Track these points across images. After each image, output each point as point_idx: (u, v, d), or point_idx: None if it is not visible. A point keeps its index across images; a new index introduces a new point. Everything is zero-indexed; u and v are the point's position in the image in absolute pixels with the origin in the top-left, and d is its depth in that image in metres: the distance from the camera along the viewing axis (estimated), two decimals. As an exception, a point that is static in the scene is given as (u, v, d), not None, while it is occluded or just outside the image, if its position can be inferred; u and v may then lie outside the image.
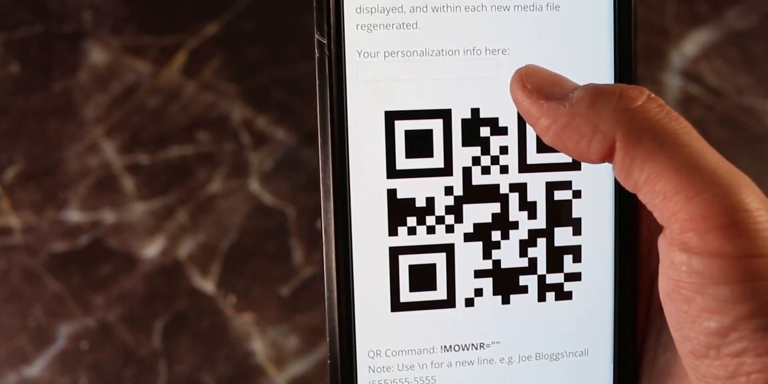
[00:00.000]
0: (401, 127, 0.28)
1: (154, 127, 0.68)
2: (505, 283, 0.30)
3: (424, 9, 0.28)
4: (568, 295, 0.30)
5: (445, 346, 0.30)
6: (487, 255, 0.30)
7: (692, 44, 0.71)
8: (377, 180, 0.28)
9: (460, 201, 0.29)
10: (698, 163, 0.22)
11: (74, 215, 0.67)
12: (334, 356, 0.29)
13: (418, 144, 0.29)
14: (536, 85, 0.25)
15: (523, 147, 0.29)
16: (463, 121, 0.29)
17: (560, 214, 0.30)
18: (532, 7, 0.29)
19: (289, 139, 0.68)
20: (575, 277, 0.30)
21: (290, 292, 0.67)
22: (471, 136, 0.29)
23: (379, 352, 0.29)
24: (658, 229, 0.24)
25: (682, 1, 0.71)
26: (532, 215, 0.30)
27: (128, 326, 0.66)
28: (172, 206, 0.68)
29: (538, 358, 0.30)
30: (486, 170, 0.29)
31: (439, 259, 0.29)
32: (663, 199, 0.22)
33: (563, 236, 0.30)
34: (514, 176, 0.29)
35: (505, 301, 0.30)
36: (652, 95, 0.24)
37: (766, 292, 0.21)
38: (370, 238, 0.29)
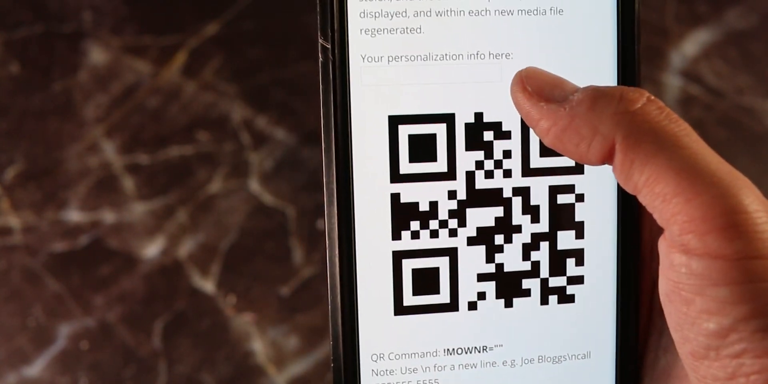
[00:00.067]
0: (405, 131, 0.28)
1: (154, 127, 0.68)
2: (508, 287, 0.30)
3: (428, 13, 0.28)
4: (570, 298, 0.30)
5: (448, 350, 0.30)
6: (490, 259, 0.30)
7: (692, 44, 0.71)
8: (381, 184, 0.29)
9: (463, 205, 0.29)
10: (697, 165, 0.22)
11: (74, 215, 0.67)
12: (337, 359, 0.29)
13: (422, 148, 0.29)
14: (536, 88, 0.25)
15: (526, 151, 0.29)
16: (467, 125, 0.29)
17: (563, 217, 0.30)
18: (535, 12, 0.29)
19: (289, 139, 0.68)
20: (578, 280, 0.30)
21: (290, 292, 0.67)
22: (474, 141, 0.29)
23: (382, 355, 0.29)
24: (660, 232, 0.24)
25: (682, 1, 0.72)
26: (535, 219, 0.30)
27: (128, 326, 0.66)
28: (172, 206, 0.68)
29: (540, 360, 0.30)
30: (489, 174, 0.29)
31: (443, 263, 0.29)
32: (662, 201, 0.22)
33: (566, 240, 0.30)
34: (518, 180, 0.29)
35: (508, 304, 0.30)
36: (652, 97, 0.24)
37: (765, 293, 0.21)
38: (374, 242, 0.29)
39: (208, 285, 0.67)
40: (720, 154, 0.23)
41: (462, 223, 0.29)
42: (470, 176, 0.29)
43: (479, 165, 0.29)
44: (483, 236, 0.29)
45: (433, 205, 0.29)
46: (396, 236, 0.29)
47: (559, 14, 0.29)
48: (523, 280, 0.30)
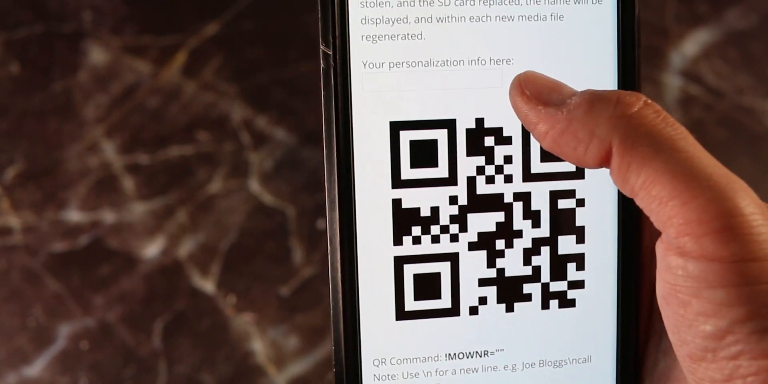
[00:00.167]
0: (406, 137, 0.28)
1: (154, 127, 0.68)
2: (509, 292, 0.30)
3: (429, 20, 0.28)
4: (571, 303, 0.30)
5: (449, 354, 0.30)
6: (491, 264, 0.30)
7: (692, 44, 0.71)
8: (382, 190, 0.29)
9: (464, 210, 0.29)
10: (694, 168, 0.22)
11: (74, 215, 0.67)
12: (339, 364, 0.29)
13: (423, 154, 0.29)
14: (535, 91, 0.25)
15: (527, 156, 0.29)
16: (468, 131, 0.29)
17: (564, 222, 0.30)
18: (536, 18, 0.29)
19: (289, 139, 0.68)
20: (578, 284, 0.30)
21: (290, 292, 0.67)
22: (475, 146, 0.29)
23: (384, 360, 0.29)
24: (660, 236, 0.24)
25: (682, 1, 0.72)
26: (536, 224, 0.30)
27: (128, 326, 0.67)
28: (172, 206, 0.68)
29: (541, 365, 0.30)
30: (490, 179, 0.29)
31: (444, 268, 0.29)
32: (659, 203, 0.22)
33: (567, 244, 0.30)
34: (518, 185, 0.29)
35: (509, 309, 0.30)
36: (649, 101, 0.24)
37: (760, 295, 0.21)
38: (376, 247, 0.29)
39: (208, 285, 0.67)
40: (720, 154, 0.23)
41: (463, 229, 0.29)
42: (471, 181, 0.29)
43: (480, 170, 0.29)
44: (484, 241, 0.29)
45: (435, 210, 0.29)
46: (397, 241, 0.29)
47: (559, 20, 0.29)
48: (524, 285, 0.30)
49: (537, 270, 0.30)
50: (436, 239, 0.29)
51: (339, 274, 0.28)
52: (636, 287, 0.30)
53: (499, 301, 0.30)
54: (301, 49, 0.70)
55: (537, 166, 0.29)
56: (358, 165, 0.28)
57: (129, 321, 0.67)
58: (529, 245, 0.30)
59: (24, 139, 0.67)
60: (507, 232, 0.30)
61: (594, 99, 0.24)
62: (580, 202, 0.30)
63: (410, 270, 0.29)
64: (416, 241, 0.29)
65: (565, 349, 0.31)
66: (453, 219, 0.29)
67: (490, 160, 0.29)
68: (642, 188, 0.23)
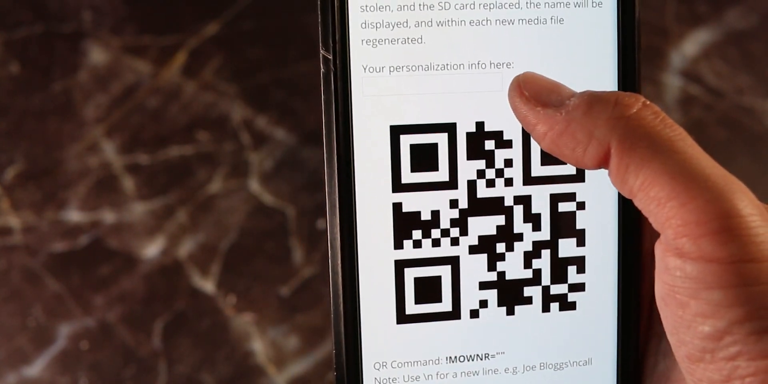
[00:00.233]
0: (406, 141, 0.28)
1: (154, 127, 0.68)
2: (510, 295, 0.30)
3: (429, 23, 0.28)
4: (572, 306, 0.30)
5: (450, 357, 0.30)
6: (491, 267, 0.30)
7: (692, 44, 0.71)
8: (383, 194, 0.29)
9: (465, 214, 0.29)
10: (692, 170, 0.22)
11: (74, 215, 0.67)
12: (340, 368, 0.29)
13: (424, 158, 0.29)
14: (533, 92, 0.25)
15: (527, 160, 0.29)
16: (468, 134, 0.29)
17: (564, 225, 0.30)
18: (536, 21, 0.29)
19: (289, 139, 0.68)
20: (579, 287, 0.30)
21: (290, 292, 0.67)
22: (476, 150, 0.29)
23: (385, 363, 0.29)
24: None
25: (682, 1, 0.72)
26: (537, 227, 0.30)
27: (128, 326, 0.67)
28: (172, 206, 0.68)
29: (542, 367, 0.31)
30: (491, 183, 0.29)
31: (445, 272, 0.29)
32: (657, 205, 0.22)
33: (567, 247, 0.30)
34: (519, 189, 0.29)
35: (510, 312, 0.30)
36: (648, 102, 0.24)
37: (758, 296, 0.21)
38: (376, 251, 0.29)
39: (208, 285, 0.67)
40: (720, 154, 0.23)
41: (464, 232, 0.29)
42: (472, 185, 0.29)
43: (480, 174, 0.29)
44: (484, 245, 0.29)
45: (435, 214, 0.29)
46: (398, 245, 0.29)
47: (559, 23, 0.29)
48: (525, 288, 0.30)
49: (537, 273, 0.30)
50: (436, 243, 0.29)
51: (340, 278, 0.28)
52: (636, 290, 0.30)
53: (499, 304, 0.30)
54: (301, 49, 0.70)
55: (537, 170, 0.29)
56: (358, 169, 0.28)
57: (129, 321, 0.67)
58: (530, 248, 0.30)
59: (24, 139, 0.67)
60: (507, 235, 0.30)
61: (592, 100, 0.24)
62: (581, 205, 0.30)
63: (411, 273, 0.29)
64: (417, 244, 0.29)
65: (565, 352, 0.31)
66: (453, 222, 0.29)
67: (490, 164, 0.29)
68: (640, 189, 0.23)
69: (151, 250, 0.67)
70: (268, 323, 0.67)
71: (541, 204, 0.30)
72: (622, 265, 0.30)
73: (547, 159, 0.29)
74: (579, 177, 0.30)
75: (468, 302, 0.30)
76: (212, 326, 0.67)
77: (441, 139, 0.29)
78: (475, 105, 0.29)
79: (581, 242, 0.30)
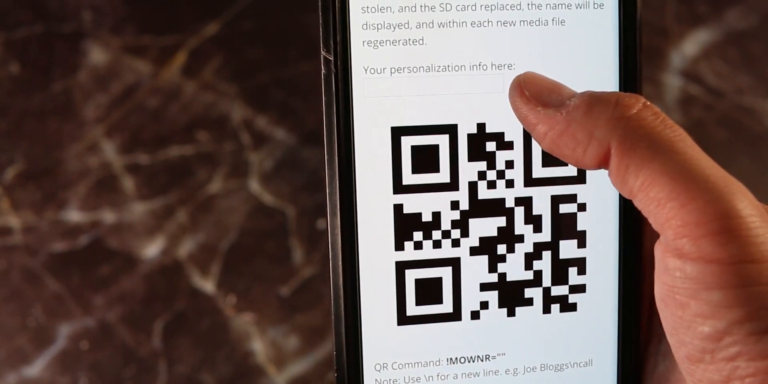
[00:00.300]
0: (407, 142, 0.28)
1: (154, 127, 0.68)
2: (511, 296, 0.30)
3: (430, 25, 0.28)
4: (572, 307, 0.30)
5: (451, 359, 0.30)
6: (492, 268, 0.30)
7: (692, 44, 0.71)
8: (384, 195, 0.29)
9: (466, 215, 0.29)
10: (692, 170, 0.22)
11: (74, 215, 0.67)
12: (341, 369, 0.29)
13: (425, 159, 0.29)
14: (534, 92, 0.25)
15: (528, 161, 0.29)
16: (469, 136, 0.29)
17: (565, 227, 0.30)
18: (537, 22, 0.29)
19: (289, 139, 0.68)
20: (580, 289, 0.30)
21: (290, 292, 0.67)
22: (477, 151, 0.29)
23: (385, 365, 0.29)
24: None
25: (682, 1, 0.72)
26: (538, 228, 0.30)
27: (128, 326, 0.67)
28: (172, 206, 0.68)
29: (543, 369, 0.31)
30: (492, 184, 0.29)
31: (445, 273, 0.29)
32: (657, 205, 0.22)
33: (568, 249, 0.30)
34: (520, 190, 0.29)
35: (511, 313, 0.30)
36: (648, 103, 0.24)
37: (758, 296, 0.21)
38: (377, 252, 0.29)
39: (208, 285, 0.67)
40: (720, 154, 0.24)
41: (465, 234, 0.29)
42: (473, 187, 0.29)
43: (482, 175, 0.29)
44: (485, 246, 0.29)
45: (436, 215, 0.29)
46: (399, 247, 0.29)
47: (561, 25, 0.29)
48: (526, 290, 0.30)
49: (538, 274, 0.30)
50: (437, 244, 0.29)
51: (341, 279, 0.28)
52: (637, 291, 0.30)
53: (500, 306, 0.30)
54: (301, 49, 0.70)
55: (538, 171, 0.29)
56: (359, 170, 0.28)
57: (129, 321, 0.67)
58: (531, 250, 0.30)
59: (24, 139, 0.67)
60: (508, 236, 0.30)
61: (593, 100, 0.24)
62: (582, 207, 0.30)
63: (412, 275, 0.29)
64: (418, 246, 0.29)
65: (566, 353, 0.31)
66: (454, 224, 0.29)
67: (491, 165, 0.29)
68: (640, 190, 0.23)
69: (151, 250, 0.67)
70: (268, 323, 0.67)
71: (542, 205, 0.30)
72: (622, 267, 0.30)
73: (548, 160, 0.29)
74: (580, 178, 0.30)
75: (469, 303, 0.30)
76: (212, 326, 0.67)
77: (442, 141, 0.29)
78: (477, 106, 0.29)
79: (582, 244, 0.30)
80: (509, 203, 0.29)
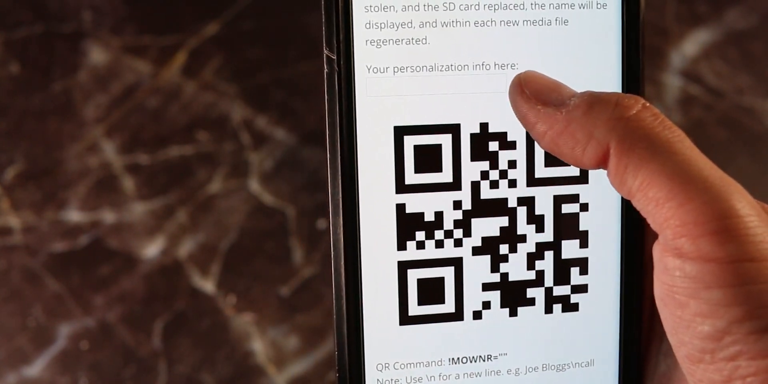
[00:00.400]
0: (410, 142, 0.28)
1: (154, 127, 0.68)
2: (513, 296, 0.30)
3: (434, 24, 0.28)
4: (574, 307, 0.30)
5: (453, 359, 0.30)
6: (494, 268, 0.30)
7: (692, 44, 0.71)
8: (386, 195, 0.29)
9: (468, 215, 0.29)
10: (690, 171, 0.22)
11: (74, 215, 0.67)
12: (342, 369, 0.29)
13: (427, 159, 0.29)
14: (534, 91, 0.25)
15: (531, 161, 0.29)
16: (472, 135, 0.29)
17: (567, 227, 0.30)
18: (540, 22, 0.29)
19: (289, 139, 0.68)
20: (582, 289, 0.30)
21: (290, 292, 0.67)
22: (479, 151, 0.29)
23: (387, 365, 0.29)
24: None
25: (682, 1, 0.72)
26: (540, 228, 0.30)
27: (128, 326, 0.67)
28: (172, 206, 0.68)
29: (544, 368, 0.31)
30: (494, 184, 0.29)
31: (448, 273, 0.29)
32: (656, 205, 0.22)
33: (570, 249, 0.30)
34: (522, 190, 0.29)
35: (513, 313, 0.30)
36: (647, 104, 0.24)
37: (757, 295, 0.21)
38: (379, 252, 0.29)
39: (208, 285, 0.67)
40: (720, 154, 0.24)
41: (467, 233, 0.29)
42: (475, 186, 0.29)
43: (484, 175, 0.29)
44: (488, 246, 0.29)
45: (439, 215, 0.29)
46: (401, 246, 0.29)
47: (564, 25, 0.29)
48: (528, 290, 0.30)
49: (540, 274, 0.30)
50: (440, 244, 0.29)
51: (343, 279, 0.28)
52: (639, 291, 0.30)
53: (502, 306, 0.30)
54: (301, 49, 0.70)
55: (541, 171, 0.29)
56: (361, 170, 0.28)
57: (129, 321, 0.67)
58: (533, 250, 0.30)
59: (24, 139, 0.67)
60: (511, 236, 0.30)
61: (593, 100, 0.24)
62: (584, 207, 0.30)
63: (414, 275, 0.29)
64: (420, 245, 0.29)
65: (568, 353, 0.31)
66: (457, 224, 0.29)
67: (494, 165, 0.29)
68: (639, 190, 0.23)
69: (151, 250, 0.67)
70: (268, 323, 0.67)
71: (544, 205, 0.30)
72: (624, 267, 0.30)
73: (550, 160, 0.29)
74: (582, 178, 0.30)
75: (471, 303, 0.30)
76: (212, 326, 0.67)
77: (445, 140, 0.29)
78: (480, 106, 0.29)
79: (584, 244, 0.30)
80: (512, 203, 0.29)
